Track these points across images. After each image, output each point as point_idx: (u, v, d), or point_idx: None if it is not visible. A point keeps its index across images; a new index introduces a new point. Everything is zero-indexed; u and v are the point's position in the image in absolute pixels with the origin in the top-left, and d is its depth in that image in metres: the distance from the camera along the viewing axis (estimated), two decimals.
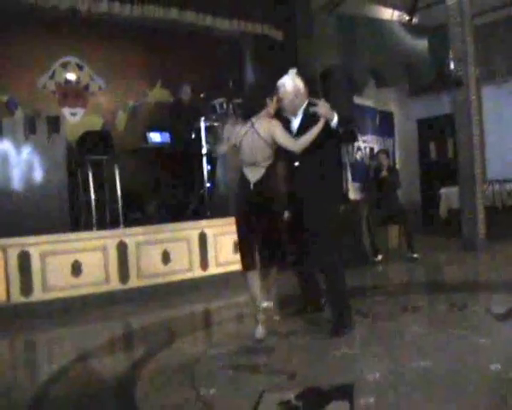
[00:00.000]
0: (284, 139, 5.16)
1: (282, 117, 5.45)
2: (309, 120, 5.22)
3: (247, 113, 5.39)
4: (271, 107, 5.35)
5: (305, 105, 5.38)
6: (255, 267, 5.34)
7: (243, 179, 5.33)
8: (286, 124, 5.39)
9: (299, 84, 5.40)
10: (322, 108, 5.03)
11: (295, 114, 5.41)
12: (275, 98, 5.36)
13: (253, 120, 5.26)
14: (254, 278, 5.30)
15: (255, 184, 5.23)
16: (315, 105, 5.09)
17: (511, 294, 6.50)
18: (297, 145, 5.11)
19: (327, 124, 5.05)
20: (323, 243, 5.28)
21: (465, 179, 9.98)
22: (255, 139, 5.19)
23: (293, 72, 5.43)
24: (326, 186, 5.37)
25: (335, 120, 5.04)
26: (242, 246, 5.38)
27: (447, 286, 7.38)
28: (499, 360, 4.11)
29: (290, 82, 5.36)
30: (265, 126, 5.21)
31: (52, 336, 6.41)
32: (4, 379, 4.88)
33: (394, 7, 12.17)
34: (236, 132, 5.35)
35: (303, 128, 5.22)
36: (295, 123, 5.41)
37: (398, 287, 7.65)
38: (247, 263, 5.33)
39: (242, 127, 5.32)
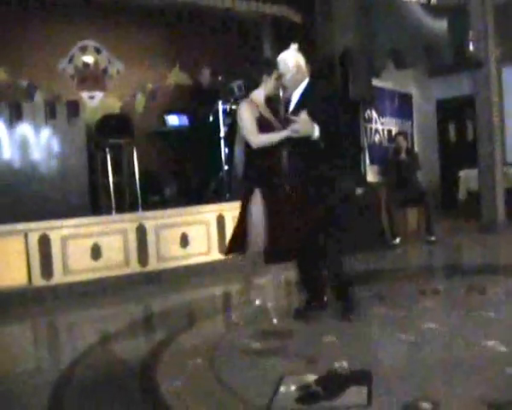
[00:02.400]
0: (246, 130, 4.91)
1: (271, 102, 5.22)
2: (308, 97, 5.12)
3: (246, 86, 5.31)
4: (269, 84, 5.04)
5: (305, 82, 5.21)
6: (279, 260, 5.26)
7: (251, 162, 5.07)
8: (275, 106, 5.25)
9: (300, 59, 5.23)
10: (302, 125, 4.83)
11: (294, 90, 5.21)
12: (274, 75, 5.04)
13: (253, 95, 5.07)
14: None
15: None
16: (293, 121, 4.86)
17: None
18: (257, 140, 4.86)
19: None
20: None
21: (484, 161, 9.94)
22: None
23: (294, 47, 5.26)
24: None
25: (316, 133, 4.85)
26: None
27: (466, 269, 7.37)
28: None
29: (291, 57, 5.18)
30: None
31: (73, 319, 6.50)
32: (27, 362, 4.95)
33: None
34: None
35: (301, 105, 5.03)
36: (294, 99, 5.22)
37: (416, 270, 7.65)
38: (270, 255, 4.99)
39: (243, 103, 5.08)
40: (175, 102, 10.65)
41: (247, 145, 4.96)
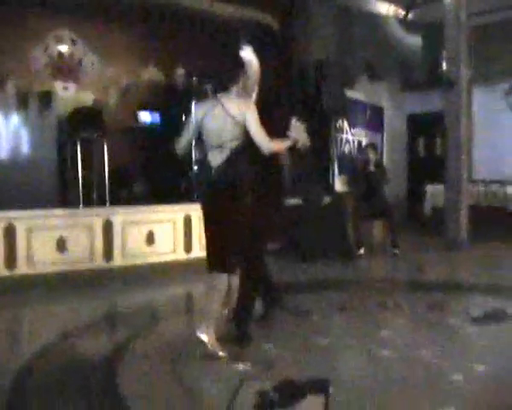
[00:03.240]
0: (259, 132, 4.47)
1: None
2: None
3: (216, 88, 4.84)
4: (240, 86, 4.65)
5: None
6: (221, 269, 4.55)
7: (204, 165, 4.71)
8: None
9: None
10: (298, 132, 4.74)
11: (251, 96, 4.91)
12: (242, 79, 4.63)
13: (222, 97, 4.55)
14: (223, 285, 4.56)
15: (217, 169, 4.51)
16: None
17: (488, 296, 6.59)
18: (269, 146, 4.52)
19: None
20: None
21: (451, 178, 10.09)
22: (222, 118, 4.47)
23: (249, 48, 4.99)
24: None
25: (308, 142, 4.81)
26: (207, 242, 4.66)
27: (427, 285, 7.45)
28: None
29: (255, 60, 4.91)
30: (239, 106, 4.50)
31: (35, 312, 6.44)
32: None
33: (390, 1, 12.21)
34: (202, 111, 4.63)
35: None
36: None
37: (378, 282, 7.73)
38: (213, 262, 4.59)
39: (207, 104, 4.67)
40: (148, 100, 10.63)
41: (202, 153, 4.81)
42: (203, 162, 4.74)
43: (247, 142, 4.52)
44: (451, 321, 5.54)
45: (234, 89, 4.57)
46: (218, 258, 4.55)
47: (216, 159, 4.50)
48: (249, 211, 4.62)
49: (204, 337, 4.41)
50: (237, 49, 11.24)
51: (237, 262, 4.63)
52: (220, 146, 4.49)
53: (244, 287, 4.78)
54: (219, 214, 4.50)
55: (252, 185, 4.66)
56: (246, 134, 4.50)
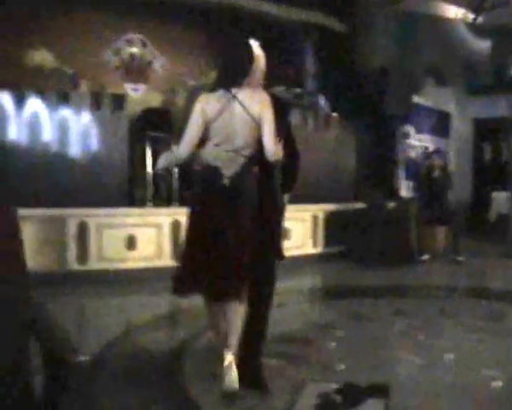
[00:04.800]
0: (272, 135, 3.82)
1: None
2: None
3: (227, 80, 3.96)
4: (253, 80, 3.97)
5: None
6: (227, 296, 3.88)
7: (211, 172, 3.86)
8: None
9: None
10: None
11: None
12: (252, 72, 3.94)
13: (234, 90, 3.86)
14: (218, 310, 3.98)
15: (231, 180, 3.83)
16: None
17: None
18: (277, 153, 3.85)
19: None
20: None
21: None
22: (238, 115, 3.82)
23: (256, 42, 4.02)
24: None
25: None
26: (191, 259, 3.92)
27: (488, 293, 7.39)
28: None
29: (261, 53, 4.03)
30: (256, 99, 3.86)
31: (104, 305, 6.69)
32: None
33: (459, 5, 12.10)
34: (210, 108, 3.87)
35: None
36: None
37: (438, 289, 7.71)
38: (188, 284, 3.96)
39: (217, 100, 3.88)
40: None
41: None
42: (208, 168, 3.87)
43: (260, 147, 3.84)
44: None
45: (244, 82, 3.88)
46: (223, 282, 3.83)
47: (229, 166, 3.82)
48: (259, 224, 3.91)
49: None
50: (302, 52, 11.48)
51: (245, 285, 3.89)
52: (235, 151, 3.84)
53: (256, 315, 4.04)
54: (231, 228, 3.83)
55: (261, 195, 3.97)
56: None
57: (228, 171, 3.81)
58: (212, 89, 3.95)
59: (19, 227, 2.72)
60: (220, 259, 3.82)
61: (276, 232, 4.25)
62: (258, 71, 3.96)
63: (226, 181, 3.80)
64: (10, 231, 2.60)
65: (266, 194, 4.00)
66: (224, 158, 3.83)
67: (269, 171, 4.00)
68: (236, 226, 3.83)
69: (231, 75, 3.94)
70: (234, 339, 3.86)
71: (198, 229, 3.90)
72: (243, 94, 3.84)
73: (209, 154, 3.88)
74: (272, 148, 3.79)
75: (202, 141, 3.93)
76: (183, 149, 3.96)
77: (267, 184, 4.02)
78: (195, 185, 4.04)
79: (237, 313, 3.88)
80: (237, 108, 3.82)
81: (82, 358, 2.37)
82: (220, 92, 3.89)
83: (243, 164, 3.84)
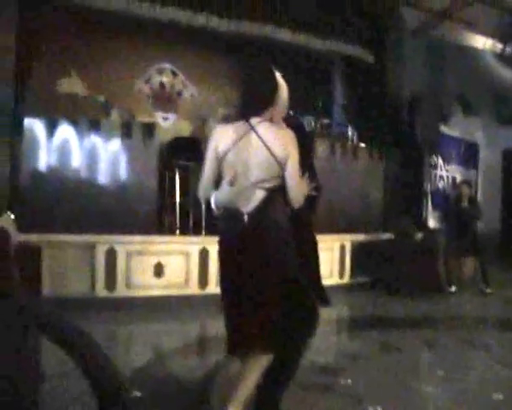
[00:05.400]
0: (298, 184, 3.55)
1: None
2: None
3: (246, 109, 3.62)
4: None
5: None
6: (255, 348, 3.49)
7: (229, 211, 3.55)
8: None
9: None
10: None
11: None
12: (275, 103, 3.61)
13: (254, 121, 3.54)
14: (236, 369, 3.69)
15: (251, 216, 3.48)
16: None
17: None
18: (301, 200, 3.60)
19: None
20: None
21: None
22: (255, 149, 3.48)
23: (279, 73, 3.69)
24: None
25: None
26: (230, 316, 3.59)
27: None
28: None
29: (285, 85, 3.69)
30: (280, 137, 3.52)
31: (132, 332, 6.73)
32: None
33: (487, 35, 12.13)
34: (223, 141, 3.54)
35: None
36: None
37: (467, 320, 7.66)
38: (236, 342, 3.55)
39: (233, 132, 3.54)
40: None
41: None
42: (226, 209, 3.57)
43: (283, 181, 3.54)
44: None
45: (266, 113, 3.56)
46: (252, 333, 3.47)
47: (247, 202, 3.48)
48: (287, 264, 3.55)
49: None
50: (331, 83, 11.54)
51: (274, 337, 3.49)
52: (252, 185, 3.49)
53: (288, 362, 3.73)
54: (259, 269, 3.46)
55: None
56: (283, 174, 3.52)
57: (246, 207, 3.47)
58: (231, 120, 3.62)
59: (10, 246, 2.80)
60: (251, 306, 3.47)
61: (316, 271, 4.03)
62: (281, 103, 3.63)
63: (245, 218, 3.46)
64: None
65: (298, 227, 3.65)
66: (240, 194, 3.49)
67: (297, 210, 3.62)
68: (266, 266, 3.45)
69: (252, 104, 3.60)
70: (242, 396, 3.46)
71: (227, 274, 3.58)
72: (264, 127, 3.51)
73: (224, 193, 3.56)
74: (297, 194, 3.53)
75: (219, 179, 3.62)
76: (201, 190, 3.69)
77: (296, 217, 3.63)
78: (219, 227, 3.65)
79: (259, 368, 3.49)
80: (255, 141, 3.48)
81: (137, 393, 2.41)
82: (238, 123, 3.55)
83: (264, 197, 3.48)
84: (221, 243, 3.61)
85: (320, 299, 3.90)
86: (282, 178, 3.50)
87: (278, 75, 3.65)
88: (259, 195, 3.46)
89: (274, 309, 3.47)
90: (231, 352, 3.60)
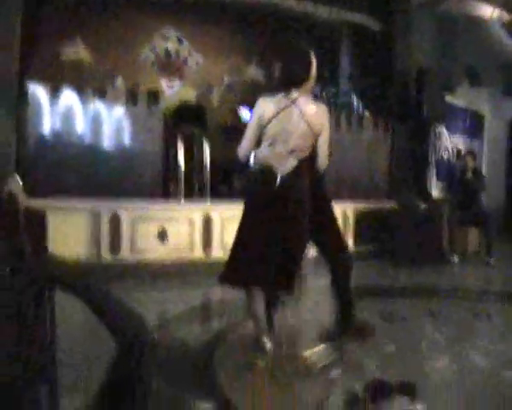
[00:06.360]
0: (326, 149, 4.27)
1: None
2: None
3: (288, 80, 4.21)
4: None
5: None
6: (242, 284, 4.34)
7: (265, 171, 4.11)
8: None
9: None
10: None
11: None
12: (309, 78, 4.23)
13: (294, 95, 4.13)
14: (259, 298, 4.31)
15: (284, 177, 4.09)
16: None
17: None
18: (326, 163, 4.34)
19: None
20: None
21: None
22: (296, 120, 4.08)
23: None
24: None
25: None
26: (242, 253, 4.23)
27: None
28: None
29: (314, 61, 4.27)
30: (316, 110, 4.17)
31: (135, 297, 6.77)
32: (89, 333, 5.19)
33: (495, 5, 12.01)
34: (267, 110, 4.11)
35: None
36: None
37: (469, 291, 7.67)
38: (241, 276, 4.28)
39: (276, 103, 4.14)
40: (250, 98, 10.87)
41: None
42: (262, 167, 4.12)
43: (311, 153, 4.22)
44: None
45: (303, 88, 4.15)
46: (279, 276, 4.18)
47: (282, 166, 4.08)
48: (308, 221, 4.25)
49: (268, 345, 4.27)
50: (338, 51, 11.46)
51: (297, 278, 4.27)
52: (289, 152, 4.10)
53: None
54: (285, 224, 4.12)
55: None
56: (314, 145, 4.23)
57: (281, 170, 4.05)
58: (270, 92, 4.20)
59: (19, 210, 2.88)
60: (276, 253, 4.12)
61: (335, 227, 4.82)
62: (312, 78, 4.19)
63: (279, 179, 4.04)
64: None
65: (318, 195, 4.38)
66: (278, 158, 4.07)
67: (319, 174, 4.39)
68: (291, 223, 4.10)
69: (292, 80, 4.14)
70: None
71: (253, 223, 4.16)
72: (303, 101, 4.10)
73: (263, 153, 4.13)
74: (325, 161, 4.24)
75: (258, 142, 4.19)
76: (242, 149, 4.22)
77: (318, 186, 4.41)
78: (251, 183, 4.24)
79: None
80: (295, 112, 4.07)
81: (155, 335, 2.48)
82: (279, 96, 4.12)
83: (296, 166, 4.09)
84: (251, 197, 4.21)
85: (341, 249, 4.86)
86: (313, 147, 4.16)
87: (312, 53, 4.22)
88: (293, 162, 4.08)
89: (297, 256, 4.23)
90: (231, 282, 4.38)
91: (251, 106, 10.30)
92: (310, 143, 4.15)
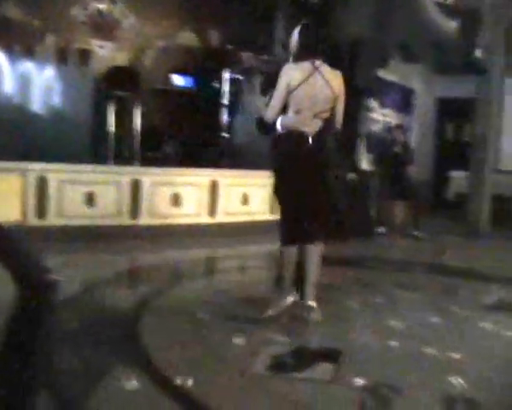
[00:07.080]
0: (342, 111, 4.67)
1: None
2: None
3: (310, 55, 4.55)
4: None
5: None
6: (298, 242, 4.66)
7: (294, 134, 4.54)
8: None
9: None
10: None
11: None
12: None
13: (317, 63, 4.52)
14: (293, 256, 4.66)
15: (314, 138, 4.51)
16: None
17: (502, 285, 6.60)
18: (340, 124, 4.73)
19: None
20: None
21: (476, 166, 10.10)
22: (320, 86, 4.46)
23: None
24: None
25: None
26: (289, 216, 4.65)
27: (443, 269, 7.49)
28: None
29: None
30: (335, 76, 4.58)
31: (61, 261, 6.64)
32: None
33: None
34: (293, 78, 4.47)
35: None
36: None
37: (395, 262, 7.82)
38: (292, 236, 4.64)
39: (301, 70, 4.50)
40: (182, 63, 10.76)
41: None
42: (292, 131, 4.52)
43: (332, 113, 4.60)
44: (463, 305, 5.57)
45: (321, 57, 4.55)
46: (316, 228, 4.63)
47: (310, 128, 4.48)
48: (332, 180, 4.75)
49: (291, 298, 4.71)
50: (273, 19, 11.40)
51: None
52: (315, 115, 4.49)
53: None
54: (312, 183, 4.54)
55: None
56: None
57: (310, 131, 4.47)
58: (295, 60, 4.53)
59: None
60: (312, 209, 4.57)
61: None
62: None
63: (310, 140, 4.46)
64: None
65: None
66: (305, 121, 4.48)
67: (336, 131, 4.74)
68: (323, 179, 4.57)
69: (314, 51, 4.51)
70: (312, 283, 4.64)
71: (293, 184, 4.56)
72: (325, 69, 4.50)
73: (291, 119, 4.52)
74: (340, 121, 4.65)
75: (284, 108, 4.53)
76: (270, 114, 4.57)
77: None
78: (278, 147, 4.66)
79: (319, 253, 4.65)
80: (320, 79, 4.44)
81: (58, 277, 2.38)
82: (305, 64, 4.47)
83: (322, 125, 4.50)
84: (285, 160, 4.60)
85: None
86: (333, 108, 4.55)
87: None
88: (319, 123, 4.49)
89: (330, 208, 4.69)
90: (291, 243, 4.62)
91: (183, 71, 10.25)
92: (331, 106, 4.53)
